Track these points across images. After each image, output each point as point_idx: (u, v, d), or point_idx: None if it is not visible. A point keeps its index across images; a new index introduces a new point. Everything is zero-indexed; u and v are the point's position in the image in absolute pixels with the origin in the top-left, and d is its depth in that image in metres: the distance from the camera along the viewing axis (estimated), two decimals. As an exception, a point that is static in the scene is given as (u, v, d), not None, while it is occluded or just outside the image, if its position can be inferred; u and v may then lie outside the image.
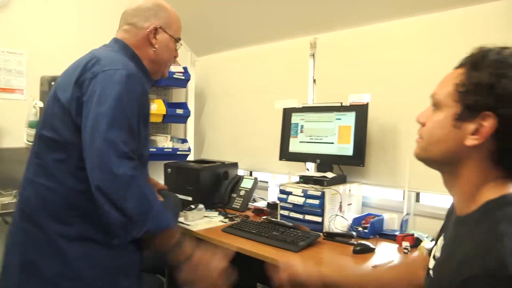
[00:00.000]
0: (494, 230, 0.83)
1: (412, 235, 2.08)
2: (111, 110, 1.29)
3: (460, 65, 0.99)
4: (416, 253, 1.99)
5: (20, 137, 2.91)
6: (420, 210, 2.40)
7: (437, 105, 1.00)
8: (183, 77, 3.46)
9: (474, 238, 0.86)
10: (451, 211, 1.15)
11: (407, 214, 2.31)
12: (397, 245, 2.10)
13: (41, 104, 2.86)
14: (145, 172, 1.56)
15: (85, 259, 1.36)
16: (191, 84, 3.73)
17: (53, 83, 2.86)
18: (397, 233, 2.18)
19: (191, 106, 3.75)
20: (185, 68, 3.51)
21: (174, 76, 3.41)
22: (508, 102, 0.86)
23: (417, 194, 2.47)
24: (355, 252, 1.98)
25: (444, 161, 0.99)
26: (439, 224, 2.27)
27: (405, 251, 2.00)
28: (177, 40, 1.71)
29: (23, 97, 3.02)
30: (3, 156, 2.97)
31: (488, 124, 0.88)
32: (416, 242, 2.04)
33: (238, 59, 3.48)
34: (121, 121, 1.31)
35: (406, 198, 2.37)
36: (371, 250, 2.00)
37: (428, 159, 1.04)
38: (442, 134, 0.97)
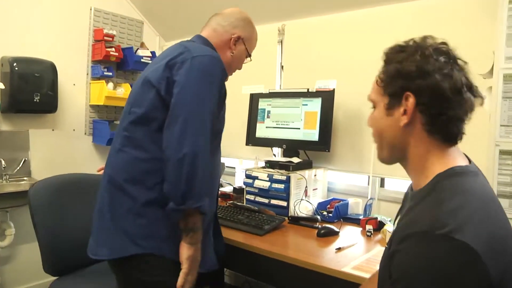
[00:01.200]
0: (438, 197, 0.93)
1: (376, 218, 2.12)
2: (197, 107, 1.48)
3: None
4: (379, 236, 2.03)
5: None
6: (385, 195, 2.45)
7: (373, 105, 1.13)
8: (150, 62, 3.41)
9: (422, 205, 0.96)
10: (407, 193, 1.22)
11: (371, 198, 2.35)
12: (360, 229, 2.14)
13: (2, 86, 2.78)
14: (219, 147, 1.76)
15: (161, 221, 1.52)
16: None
17: (15, 64, 2.79)
18: (361, 217, 2.21)
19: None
20: (153, 53, 3.48)
21: (142, 60, 3.37)
22: (415, 78, 1.00)
23: (382, 180, 2.51)
24: (319, 235, 2.00)
25: (394, 150, 1.09)
26: (403, 208, 2.32)
27: (368, 234, 2.04)
28: (249, 55, 1.91)
29: (-18, 79, 2.92)
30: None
31: (410, 101, 1.00)
32: (379, 226, 2.09)
33: (206, 44, 3.43)
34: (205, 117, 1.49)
35: (370, 183, 2.41)
36: (335, 233, 2.03)
37: (385, 157, 1.13)
38: (382, 125, 1.08)
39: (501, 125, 1.69)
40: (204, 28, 1.84)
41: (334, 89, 2.42)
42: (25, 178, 3.04)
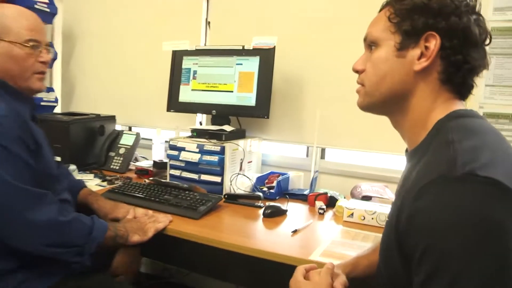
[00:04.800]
0: (445, 139, 0.83)
1: (326, 193, 1.86)
2: None
3: (383, 6, 0.98)
4: (330, 213, 1.78)
5: None
6: (325, 168, 2.21)
7: (374, 43, 0.97)
8: (47, 9, 2.82)
9: (429, 154, 0.85)
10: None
11: (317, 171, 2.09)
12: (307, 206, 1.89)
13: None
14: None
15: None
16: (57, 21, 3.10)
17: None
18: (305, 192, 1.96)
19: (58, 47, 3.12)
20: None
21: (36, 6, 2.77)
22: (447, 15, 0.86)
23: (322, 151, 2.26)
24: (265, 215, 1.70)
25: (392, 97, 0.95)
26: (346, 181, 2.12)
27: (321, 211, 1.77)
28: (26, 42, 1.41)
29: None
30: None
31: (433, 42, 0.87)
32: (329, 201, 1.85)
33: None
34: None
35: (314, 155, 2.14)
36: (283, 213, 1.74)
37: (375, 103, 0.99)
38: (387, 68, 0.94)
39: (486, 85, 1.50)
40: None
41: (274, 47, 2.09)
42: None
